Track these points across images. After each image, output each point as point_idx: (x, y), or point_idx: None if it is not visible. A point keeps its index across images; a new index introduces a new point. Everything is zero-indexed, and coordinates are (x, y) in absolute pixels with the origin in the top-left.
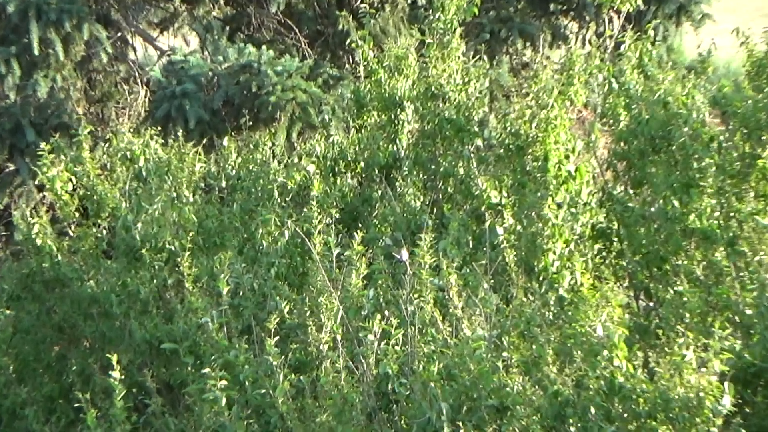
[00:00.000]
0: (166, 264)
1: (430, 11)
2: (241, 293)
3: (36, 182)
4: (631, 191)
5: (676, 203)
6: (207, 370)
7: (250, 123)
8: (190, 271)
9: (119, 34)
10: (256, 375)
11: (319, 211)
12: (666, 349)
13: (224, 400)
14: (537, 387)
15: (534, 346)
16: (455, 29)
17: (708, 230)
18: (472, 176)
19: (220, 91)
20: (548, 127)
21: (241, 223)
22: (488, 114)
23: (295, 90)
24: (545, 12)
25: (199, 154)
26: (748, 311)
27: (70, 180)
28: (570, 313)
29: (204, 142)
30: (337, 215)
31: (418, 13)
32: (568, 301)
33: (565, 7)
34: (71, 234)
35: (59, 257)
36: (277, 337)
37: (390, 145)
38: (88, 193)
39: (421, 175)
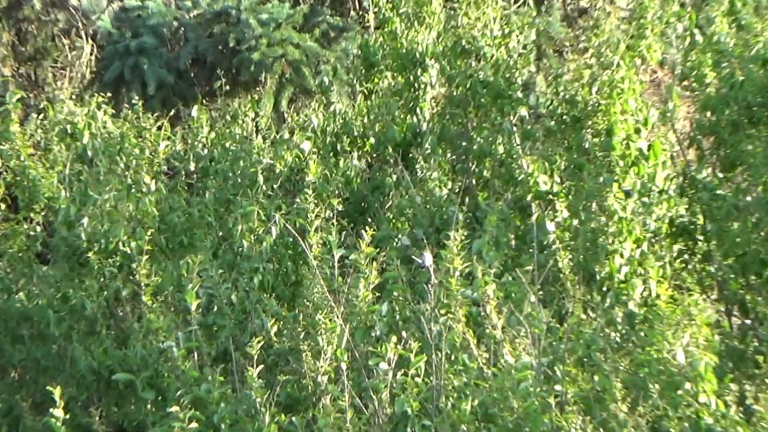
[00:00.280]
0: (120, 271)
1: None
2: (215, 309)
3: None
4: (720, 175)
5: None
6: (172, 408)
7: (227, 87)
8: (150, 281)
9: None
10: (235, 415)
11: (316, 201)
12: (767, 380)
13: None
14: (601, 430)
15: (596, 378)
16: None
17: None
18: (515, 156)
19: (188, 46)
20: (613, 93)
21: (216, 217)
22: (535, 75)
23: (284, 45)
24: None
25: (162, 129)
26: None
27: None
28: (642, 335)
29: (168, 112)
30: (340, 207)
31: None
32: (640, 318)
33: None
34: None
35: None
36: (262, 367)
37: (408, 116)
38: (18, 178)
39: (448, 155)
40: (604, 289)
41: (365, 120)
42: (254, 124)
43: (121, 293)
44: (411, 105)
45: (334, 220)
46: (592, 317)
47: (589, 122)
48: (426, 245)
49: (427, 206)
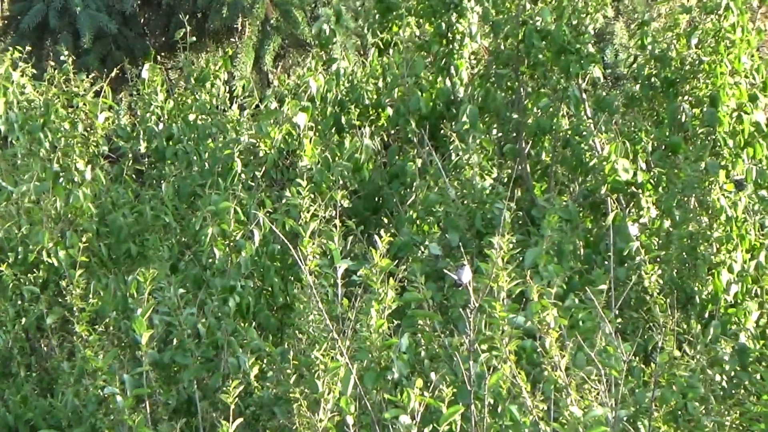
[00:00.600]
0: (43, 290)
1: None
2: (174, 342)
3: None
4: None
5: None
6: None
7: (192, 38)
8: (86, 304)
9: None
10: None
11: (313, 195)
12: None
13: None
14: None
15: None
16: None
17: None
18: (584, 133)
19: None
20: (720, 46)
21: (176, 217)
22: (613, 22)
23: None
24: None
25: (101, 95)
26: None
27: None
28: (758, 378)
29: (109, 72)
30: (346, 203)
31: None
32: (755, 355)
33: None
34: None
35: None
36: (240, 421)
37: (439, 79)
38: None
39: (493, 132)
40: (706, 315)
41: (380, 84)
42: (228, 88)
43: (45, 321)
44: (443, 63)
45: (337, 221)
46: (689, 354)
47: (687, 87)
48: (463, 255)
49: (465, 202)
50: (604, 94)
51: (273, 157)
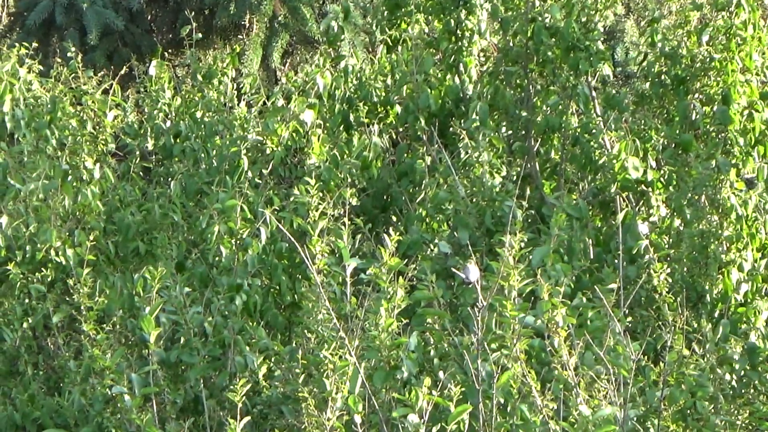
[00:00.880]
0: (51, 289)
1: None
2: (181, 341)
3: None
4: None
5: None
6: None
7: (199, 35)
8: (93, 302)
9: None
10: None
11: (321, 193)
12: None
13: None
14: None
15: None
16: None
17: None
18: (594, 131)
19: None
20: (731, 43)
21: (183, 215)
22: (623, 19)
23: None
24: None
25: (110, 93)
26: None
27: None
28: None
29: (116, 69)
30: (355, 201)
31: None
32: (765, 355)
33: None
34: None
35: None
36: (247, 420)
37: (448, 76)
38: None
39: (502, 130)
40: (716, 314)
41: (388, 81)
42: (236, 86)
43: (51, 319)
44: (452, 60)
45: (346, 219)
46: (698, 354)
47: (698, 84)
48: (472, 254)
49: (474, 200)
50: (613, 92)
51: (280, 154)
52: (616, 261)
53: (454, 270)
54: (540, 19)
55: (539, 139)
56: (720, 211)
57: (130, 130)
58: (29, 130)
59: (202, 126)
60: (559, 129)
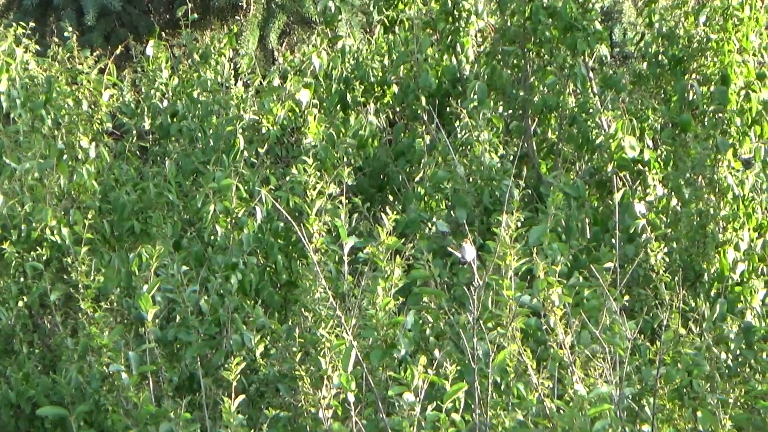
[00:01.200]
0: (47, 267)
1: None
2: (178, 319)
3: None
4: None
5: None
6: None
7: (195, 16)
8: (89, 281)
9: None
10: None
11: (318, 172)
12: None
13: None
14: None
15: (699, 414)
16: None
17: None
18: (591, 111)
19: None
20: (728, 24)
21: (179, 194)
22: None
23: None
24: None
25: (105, 72)
26: None
27: None
28: (764, 356)
29: (113, 49)
30: (351, 180)
31: None
32: (761, 333)
33: None
34: None
35: None
36: (243, 398)
37: (446, 56)
38: None
39: (500, 110)
40: (713, 294)
41: (385, 61)
42: (232, 65)
43: (48, 298)
44: (449, 40)
45: (343, 198)
46: (694, 333)
47: (695, 65)
48: (469, 233)
49: (472, 179)
50: (611, 72)
51: (276, 133)
52: (613, 240)
53: (451, 249)
54: None
55: (536, 119)
56: (717, 190)
57: (126, 109)
58: (25, 110)
59: (199, 105)
60: (557, 109)
